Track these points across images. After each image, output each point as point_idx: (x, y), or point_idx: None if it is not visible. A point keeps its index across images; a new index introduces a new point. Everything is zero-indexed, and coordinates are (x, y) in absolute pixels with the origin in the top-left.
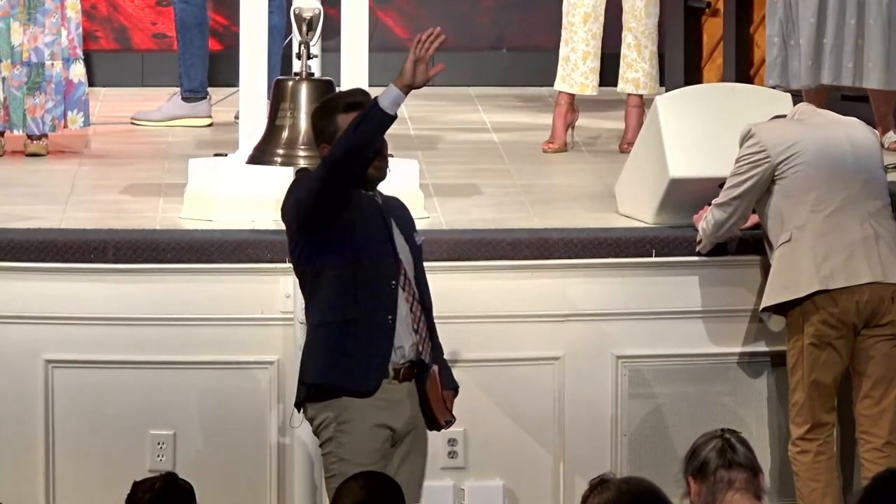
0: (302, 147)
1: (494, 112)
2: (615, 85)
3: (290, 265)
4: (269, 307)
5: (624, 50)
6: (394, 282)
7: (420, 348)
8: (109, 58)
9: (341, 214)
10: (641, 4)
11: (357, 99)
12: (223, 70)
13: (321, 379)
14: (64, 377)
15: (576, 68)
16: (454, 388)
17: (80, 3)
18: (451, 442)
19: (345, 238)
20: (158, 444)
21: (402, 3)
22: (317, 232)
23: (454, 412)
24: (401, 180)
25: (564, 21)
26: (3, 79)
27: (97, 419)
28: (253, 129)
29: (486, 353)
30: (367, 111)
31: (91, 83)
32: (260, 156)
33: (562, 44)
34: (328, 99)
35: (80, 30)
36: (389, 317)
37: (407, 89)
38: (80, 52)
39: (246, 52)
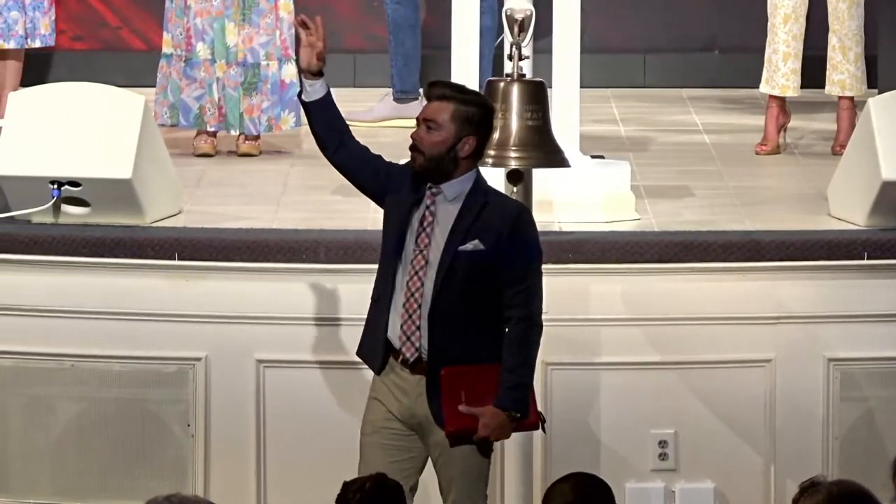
0: (513, 148)
1: (706, 113)
2: (824, 87)
3: None
4: None
5: (829, 52)
6: (395, 273)
7: (400, 343)
8: None
9: (386, 199)
10: (844, 6)
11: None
12: (435, 71)
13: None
14: (275, 377)
15: (777, 70)
16: (504, 408)
17: (292, 4)
18: (662, 444)
19: (384, 222)
20: None
21: (614, 5)
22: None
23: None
24: (612, 181)
25: (769, 23)
26: (218, 79)
27: (308, 419)
28: None
29: (697, 355)
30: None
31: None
32: None
33: (766, 45)
34: None
35: (293, 30)
36: (386, 302)
37: (305, 74)
38: (292, 52)
39: (458, 54)
